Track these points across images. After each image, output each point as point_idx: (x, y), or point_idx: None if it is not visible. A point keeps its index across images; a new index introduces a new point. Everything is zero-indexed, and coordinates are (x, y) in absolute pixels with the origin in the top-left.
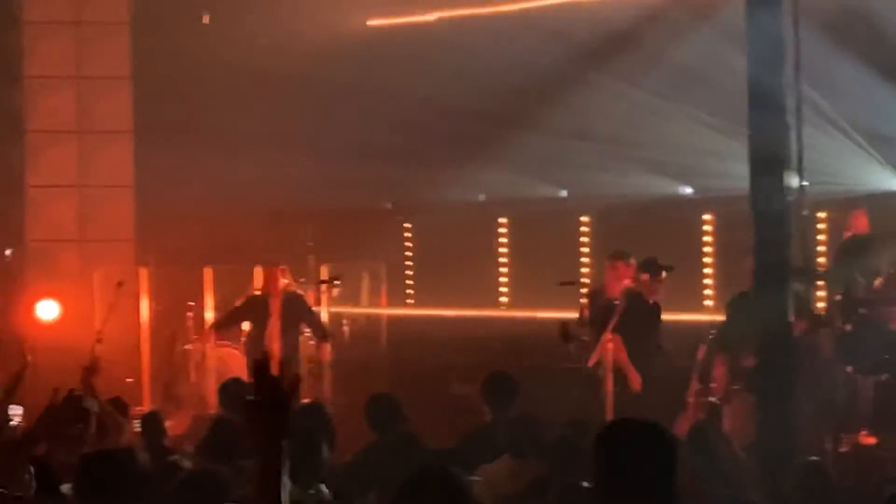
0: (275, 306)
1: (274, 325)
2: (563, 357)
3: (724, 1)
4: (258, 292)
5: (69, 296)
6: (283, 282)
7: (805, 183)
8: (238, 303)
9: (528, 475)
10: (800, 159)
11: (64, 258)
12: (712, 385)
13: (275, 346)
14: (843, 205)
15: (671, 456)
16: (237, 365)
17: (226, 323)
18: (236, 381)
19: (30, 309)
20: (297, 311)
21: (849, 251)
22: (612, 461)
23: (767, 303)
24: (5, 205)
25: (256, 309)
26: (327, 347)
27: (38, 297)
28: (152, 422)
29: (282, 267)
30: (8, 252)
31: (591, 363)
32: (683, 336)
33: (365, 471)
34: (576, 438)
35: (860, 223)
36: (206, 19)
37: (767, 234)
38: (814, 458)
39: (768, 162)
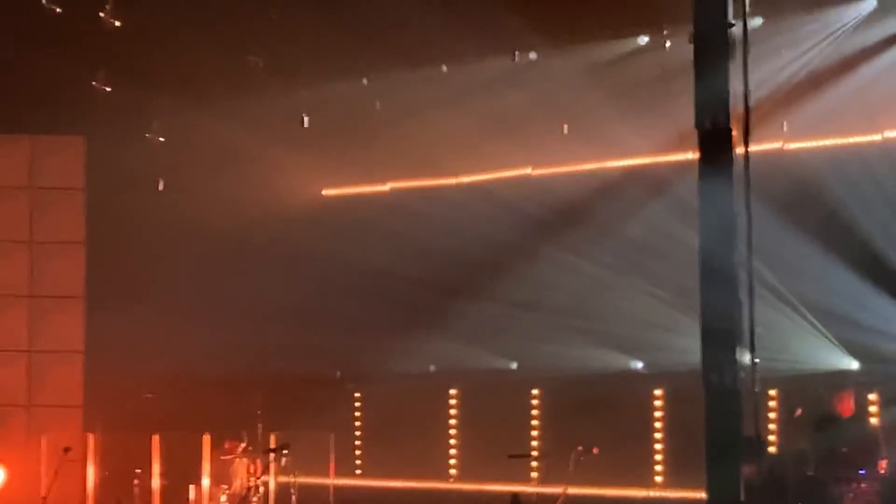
0: None
1: None
2: None
3: (676, 176)
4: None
5: (16, 461)
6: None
7: (757, 360)
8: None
9: None
10: (751, 335)
11: (12, 423)
12: None
13: None
14: (793, 382)
15: None
16: None
17: None
18: None
19: None
20: None
21: (803, 429)
22: None
23: (718, 479)
24: None
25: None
26: None
27: None
28: None
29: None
30: None
31: None
32: None
33: None
34: None
35: (846, 405)
36: (161, 186)
37: (719, 410)
38: None
39: (720, 337)
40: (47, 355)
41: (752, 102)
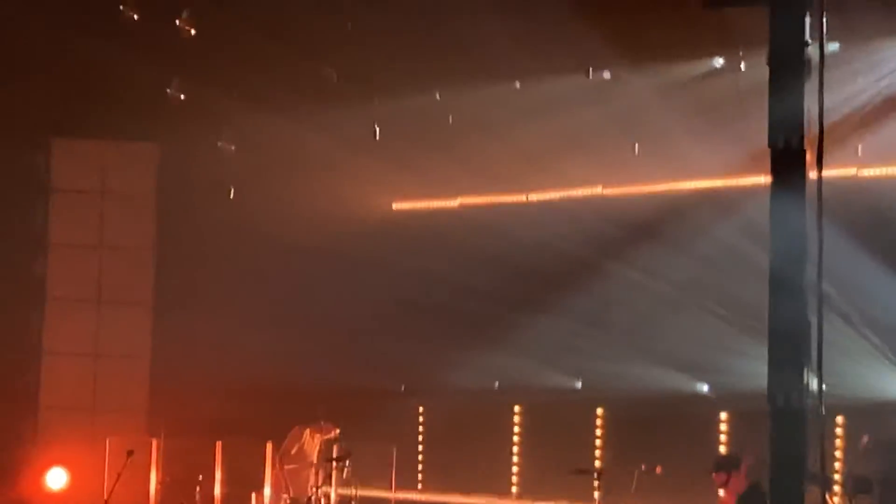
0: None
1: None
2: None
3: (747, 197)
4: None
5: (79, 464)
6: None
7: (824, 385)
8: None
9: None
10: (819, 360)
11: (77, 426)
12: None
13: None
14: (861, 409)
15: None
16: None
17: None
18: None
19: (39, 477)
20: None
21: (869, 457)
22: None
23: (782, 501)
24: (23, 370)
25: None
26: None
27: (49, 464)
28: None
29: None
30: None
31: None
32: None
33: None
34: None
35: None
36: (231, 194)
37: (784, 433)
38: None
39: (787, 359)
40: (113, 360)
41: (826, 124)
